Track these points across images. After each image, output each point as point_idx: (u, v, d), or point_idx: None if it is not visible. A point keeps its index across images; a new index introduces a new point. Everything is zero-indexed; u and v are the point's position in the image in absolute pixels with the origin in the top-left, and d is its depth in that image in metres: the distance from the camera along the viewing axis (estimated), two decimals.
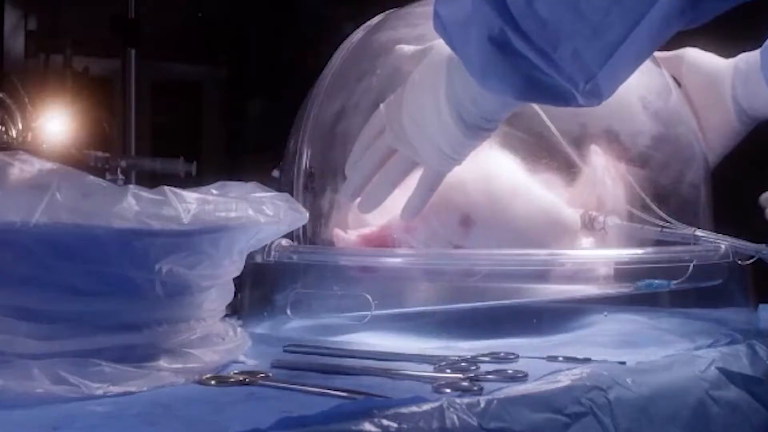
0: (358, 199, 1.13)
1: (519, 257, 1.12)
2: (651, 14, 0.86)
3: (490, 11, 0.89)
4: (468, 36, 0.93)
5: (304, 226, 1.14)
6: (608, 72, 0.90)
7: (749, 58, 1.33)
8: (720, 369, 1.02)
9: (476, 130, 1.03)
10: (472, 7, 0.91)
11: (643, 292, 1.16)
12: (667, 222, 1.20)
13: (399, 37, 1.21)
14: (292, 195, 1.15)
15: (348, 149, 1.14)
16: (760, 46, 1.26)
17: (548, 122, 1.17)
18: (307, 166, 1.23)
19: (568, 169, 1.20)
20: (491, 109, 1.01)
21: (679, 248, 1.18)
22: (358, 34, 1.32)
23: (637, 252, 1.16)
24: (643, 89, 1.25)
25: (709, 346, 1.08)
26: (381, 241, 1.15)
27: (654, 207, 1.21)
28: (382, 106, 1.10)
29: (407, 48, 1.16)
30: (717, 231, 1.21)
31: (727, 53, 1.36)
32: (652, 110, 1.25)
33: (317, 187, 1.22)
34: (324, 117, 1.25)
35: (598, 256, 1.17)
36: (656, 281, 1.15)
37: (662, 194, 1.23)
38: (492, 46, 0.91)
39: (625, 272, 1.16)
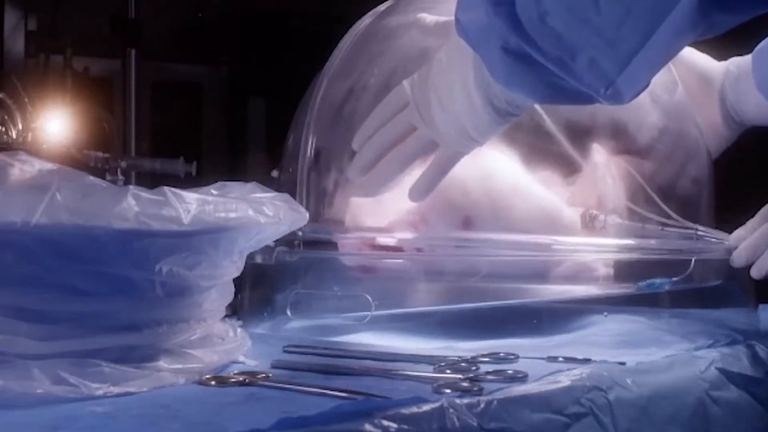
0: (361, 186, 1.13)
1: (520, 243, 1.13)
2: (663, 27, 0.86)
3: (504, 26, 0.89)
4: (488, 43, 0.93)
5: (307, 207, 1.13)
6: (626, 78, 0.90)
7: (741, 62, 1.32)
8: (720, 369, 1.02)
9: (506, 115, 1.02)
10: (487, 19, 0.91)
11: (643, 292, 1.16)
12: (669, 218, 1.19)
13: (409, 21, 1.20)
14: (296, 178, 1.14)
15: (355, 130, 1.13)
16: (752, 50, 1.26)
17: (549, 121, 1.16)
18: (313, 146, 1.22)
19: (569, 167, 1.20)
20: (518, 98, 1.01)
21: (680, 242, 1.18)
22: (366, 20, 1.31)
23: (638, 244, 1.16)
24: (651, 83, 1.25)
25: (709, 346, 1.08)
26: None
27: (657, 200, 1.20)
28: (405, 82, 1.09)
29: (429, 18, 1.15)
30: (718, 230, 1.21)
31: (719, 56, 1.35)
32: (659, 103, 1.25)
33: (322, 167, 1.21)
34: (331, 98, 1.24)
35: (599, 244, 1.17)
36: (657, 281, 1.15)
37: (666, 188, 1.23)
38: (510, 57, 0.91)
39: (625, 272, 1.16)
